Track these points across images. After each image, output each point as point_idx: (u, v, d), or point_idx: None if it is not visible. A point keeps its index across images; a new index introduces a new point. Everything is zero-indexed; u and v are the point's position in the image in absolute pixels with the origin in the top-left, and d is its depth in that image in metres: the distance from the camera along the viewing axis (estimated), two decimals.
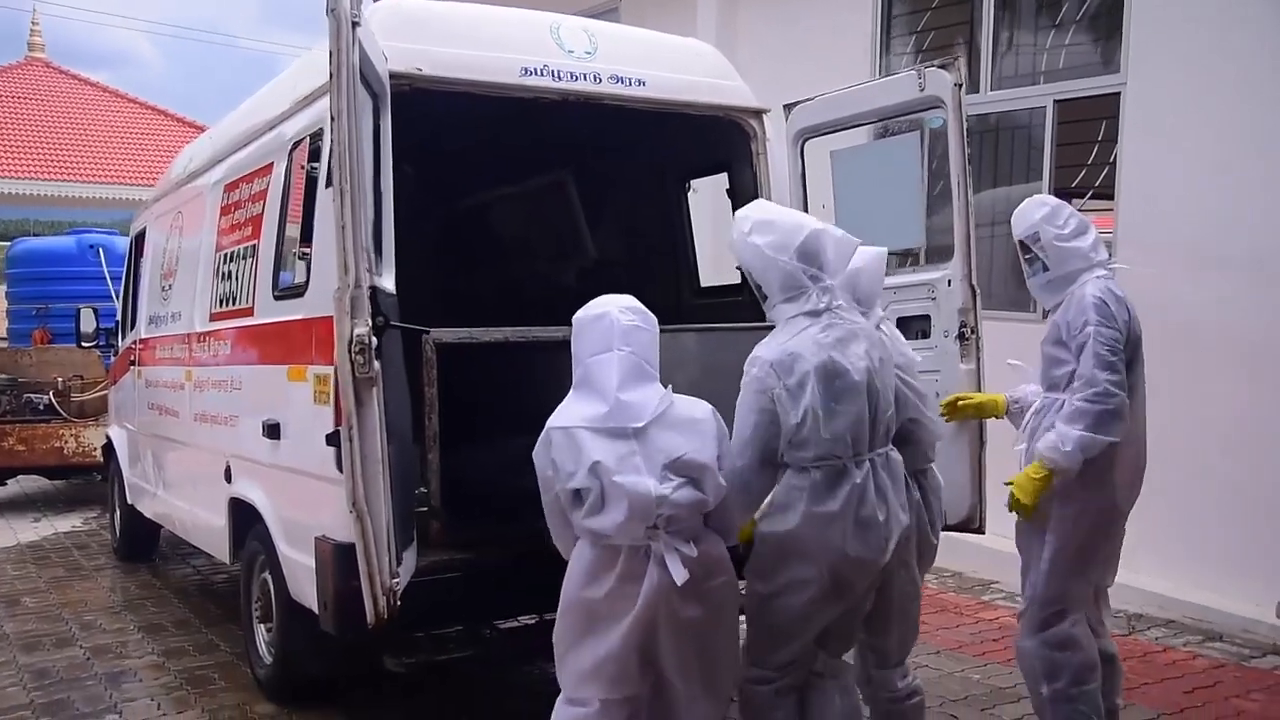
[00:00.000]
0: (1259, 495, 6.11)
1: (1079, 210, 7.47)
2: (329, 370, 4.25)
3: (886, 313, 4.16)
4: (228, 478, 5.48)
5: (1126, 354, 3.90)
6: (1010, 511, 3.97)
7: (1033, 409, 4.16)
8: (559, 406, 3.32)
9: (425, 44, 4.45)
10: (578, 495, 3.17)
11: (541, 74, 4.69)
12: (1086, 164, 7.67)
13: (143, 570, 8.11)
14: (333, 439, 3.81)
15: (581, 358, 3.30)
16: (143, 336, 7.46)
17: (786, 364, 3.34)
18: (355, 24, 3.44)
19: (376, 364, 3.41)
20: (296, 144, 4.87)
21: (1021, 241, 4.15)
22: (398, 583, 3.50)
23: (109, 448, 8.64)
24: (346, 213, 3.35)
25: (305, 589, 4.54)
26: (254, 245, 5.29)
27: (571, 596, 3.29)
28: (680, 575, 3.10)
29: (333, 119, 3.37)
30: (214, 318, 5.83)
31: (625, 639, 3.18)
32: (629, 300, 3.37)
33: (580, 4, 10.45)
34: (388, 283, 3.94)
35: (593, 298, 3.45)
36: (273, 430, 4.82)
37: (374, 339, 3.41)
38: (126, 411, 7.99)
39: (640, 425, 3.16)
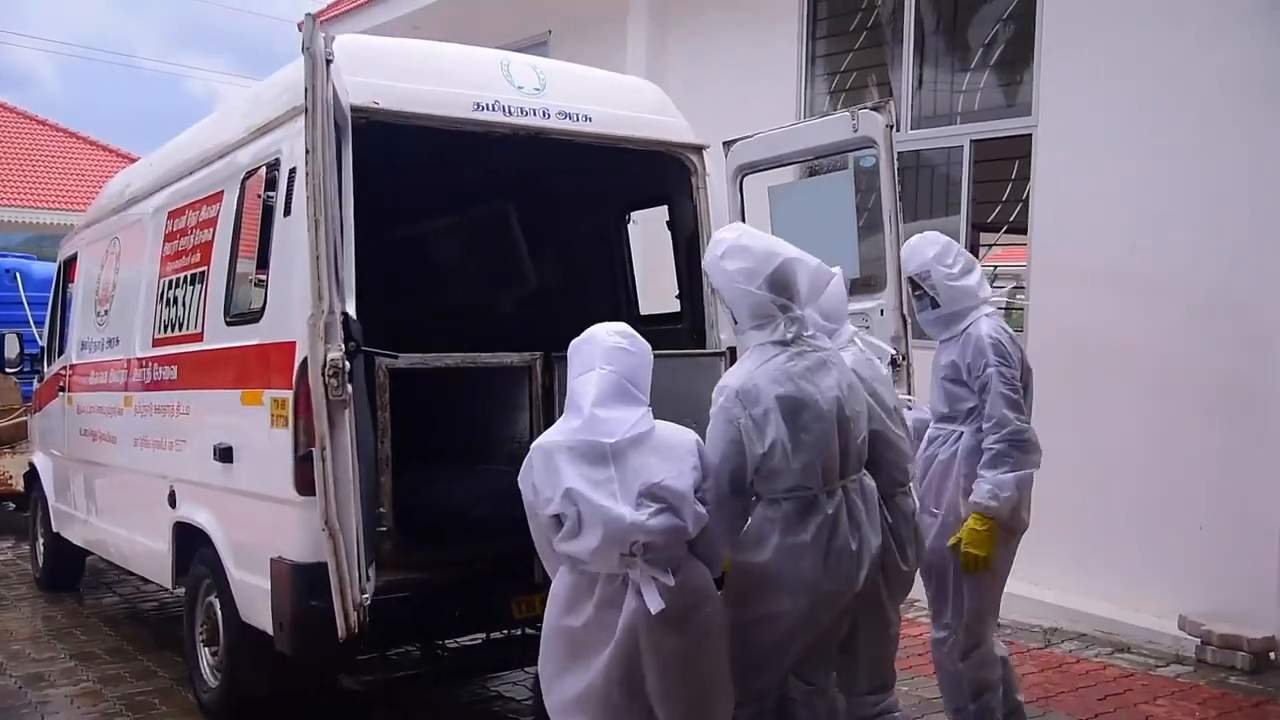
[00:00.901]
0: (1162, 514, 6.49)
1: (996, 243, 7.84)
2: (287, 394, 4.35)
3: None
4: (172, 502, 5.49)
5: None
6: (965, 570, 4.10)
7: (926, 437, 4.38)
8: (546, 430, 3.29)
9: (382, 79, 4.57)
10: (557, 520, 3.10)
11: (493, 109, 4.84)
12: (1002, 200, 8.07)
13: (67, 599, 7.99)
14: (305, 460, 3.90)
15: (569, 381, 3.27)
16: (74, 362, 7.41)
17: (752, 394, 3.30)
18: (329, 61, 3.58)
19: (349, 387, 3.53)
20: (251, 173, 4.95)
21: (911, 278, 4.36)
22: (367, 599, 3.61)
23: (32, 474, 8.51)
24: (320, 242, 3.48)
25: (258, 610, 4.59)
26: (203, 272, 5.35)
27: (552, 624, 3.21)
28: (655, 604, 3.00)
29: (308, 152, 3.50)
30: (158, 343, 5.85)
31: (607, 671, 3.10)
32: (620, 326, 3.34)
33: (509, 36, 10.66)
34: (349, 309, 4.06)
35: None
36: (225, 454, 4.88)
37: (347, 363, 3.53)
38: (54, 438, 7.90)
39: (614, 441, 3.07)
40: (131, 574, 7.25)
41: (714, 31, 9.44)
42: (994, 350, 4.10)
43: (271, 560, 4.42)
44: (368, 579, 3.72)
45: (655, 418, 3.25)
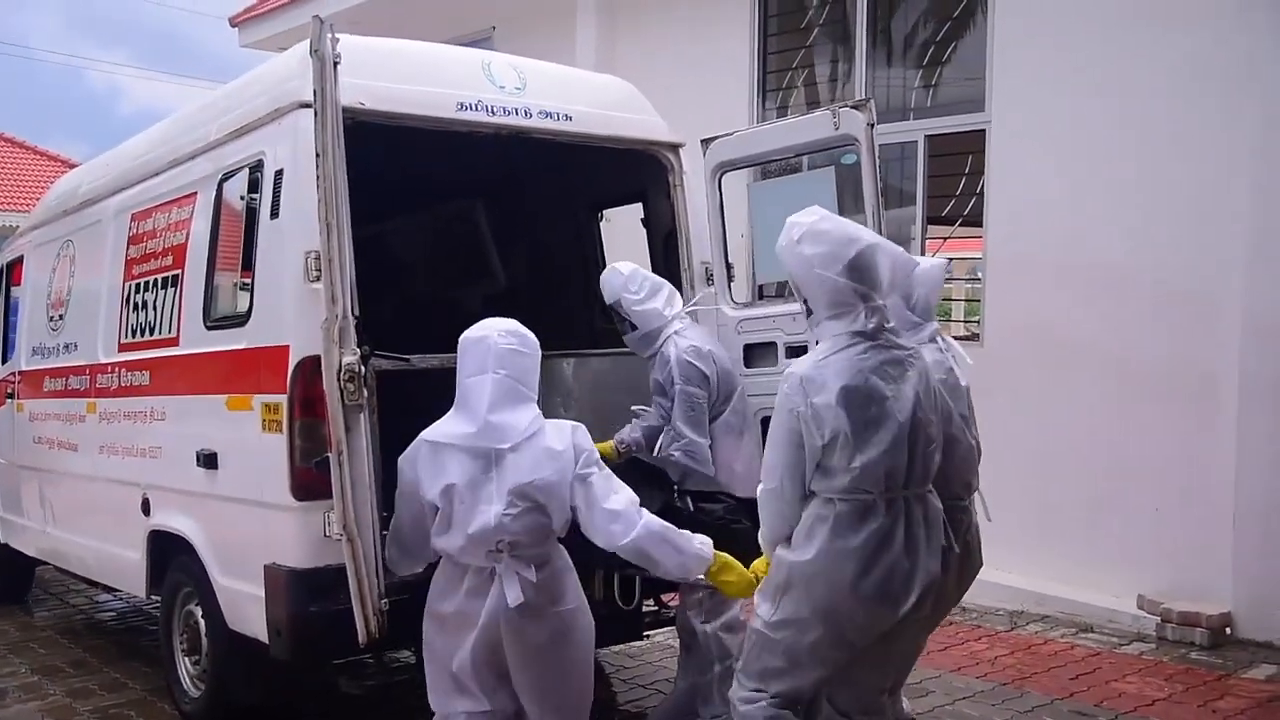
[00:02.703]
0: (1119, 498, 6.72)
1: (953, 234, 7.99)
2: (280, 399, 4.29)
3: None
4: (145, 510, 5.38)
5: (718, 398, 4.58)
6: None
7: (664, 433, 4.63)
8: (436, 422, 3.40)
9: (367, 79, 4.49)
10: (435, 508, 3.32)
11: (476, 109, 4.81)
12: (956, 194, 8.24)
13: (17, 612, 7.77)
14: (318, 465, 3.86)
15: (461, 378, 3.36)
16: (23, 368, 7.20)
17: (817, 381, 3.12)
18: (336, 64, 3.55)
19: (365, 391, 3.51)
20: (229, 174, 4.87)
21: (610, 306, 4.72)
22: (386, 604, 3.59)
23: None
24: (334, 246, 3.45)
25: (249, 618, 4.52)
26: (176, 275, 5.24)
27: (427, 608, 3.46)
28: (514, 598, 3.21)
29: (318, 155, 3.48)
30: (124, 348, 5.72)
31: (473, 654, 3.34)
32: (510, 324, 3.40)
33: (450, 32, 10.55)
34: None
35: None
36: (209, 460, 4.79)
37: (362, 367, 3.51)
38: (1, 446, 7.67)
39: (505, 447, 3.25)
40: (85, 584, 7.09)
41: (664, 28, 9.46)
42: (679, 369, 4.51)
43: (265, 567, 4.35)
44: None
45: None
